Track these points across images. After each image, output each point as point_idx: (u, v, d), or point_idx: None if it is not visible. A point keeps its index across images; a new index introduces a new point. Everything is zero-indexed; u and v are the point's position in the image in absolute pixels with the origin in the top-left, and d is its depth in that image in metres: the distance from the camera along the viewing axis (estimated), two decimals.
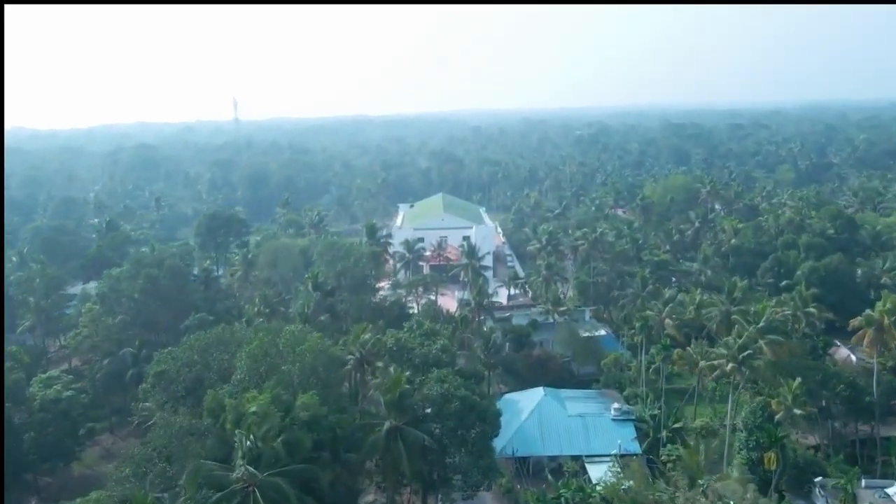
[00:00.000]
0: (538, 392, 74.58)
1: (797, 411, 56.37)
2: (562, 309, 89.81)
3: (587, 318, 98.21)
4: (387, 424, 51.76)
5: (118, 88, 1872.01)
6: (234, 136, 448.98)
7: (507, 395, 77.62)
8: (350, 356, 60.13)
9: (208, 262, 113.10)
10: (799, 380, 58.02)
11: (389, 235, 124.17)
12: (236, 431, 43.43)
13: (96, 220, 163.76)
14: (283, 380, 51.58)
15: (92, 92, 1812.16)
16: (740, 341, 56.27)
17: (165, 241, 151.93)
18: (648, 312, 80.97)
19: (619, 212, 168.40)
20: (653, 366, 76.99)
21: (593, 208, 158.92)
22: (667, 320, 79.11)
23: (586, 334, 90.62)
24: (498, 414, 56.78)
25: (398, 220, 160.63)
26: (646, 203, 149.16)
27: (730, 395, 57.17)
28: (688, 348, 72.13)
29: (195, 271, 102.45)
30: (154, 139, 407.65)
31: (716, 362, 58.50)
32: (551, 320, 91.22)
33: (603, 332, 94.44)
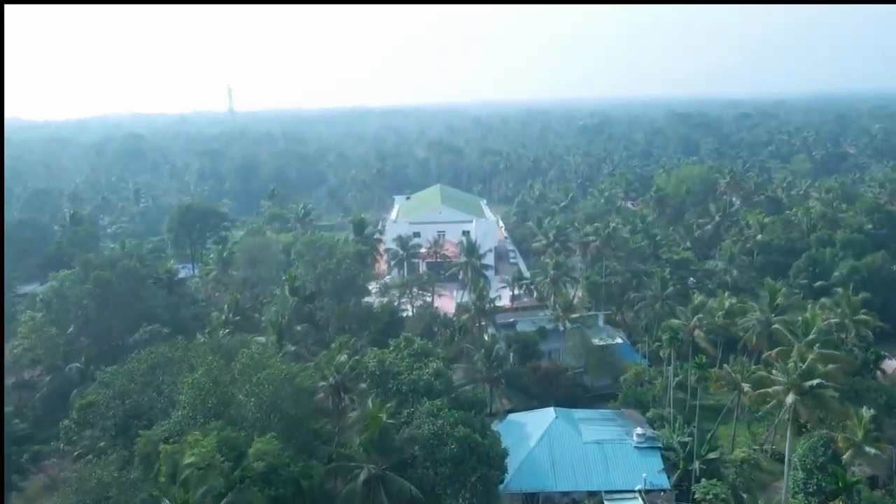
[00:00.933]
0: (548, 413, 64.25)
1: (870, 450, 45.83)
2: (574, 316, 79.19)
3: (601, 323, 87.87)
4: (364, 471, 41.61)
5: (114, 79, 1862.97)
6: (229, 126, 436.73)
7: (512, 416, 67.23)
8: (323, 382, 49.57)
9: (172, 261, 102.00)
10: (872, 411, 47.45)
11: (381, 230, 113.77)
12: (164, 499, 33.30)
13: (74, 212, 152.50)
14: (236, 417, 41.28)
15: (88, 83, 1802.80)
16: (803, 366, 45.32)
17: (144, 235, 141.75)
18: (675, 321, 70.44)
19: (629, 204, 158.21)
20: (676, 378, 66.78)
21: (602, 200, 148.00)
22: (696, 331, 68.48)
23: (601, 343, 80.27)
24: (504, 454, 46.49)
25: (393, 214, 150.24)
26: (660, 195, 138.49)
27: (788, 433, 46.21)
28: (725, 366, 61.60)
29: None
30: (147, 130, 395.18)
31: (771, 390, 47.54)
32: (561, 328, 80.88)
33: (619, 340, 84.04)
